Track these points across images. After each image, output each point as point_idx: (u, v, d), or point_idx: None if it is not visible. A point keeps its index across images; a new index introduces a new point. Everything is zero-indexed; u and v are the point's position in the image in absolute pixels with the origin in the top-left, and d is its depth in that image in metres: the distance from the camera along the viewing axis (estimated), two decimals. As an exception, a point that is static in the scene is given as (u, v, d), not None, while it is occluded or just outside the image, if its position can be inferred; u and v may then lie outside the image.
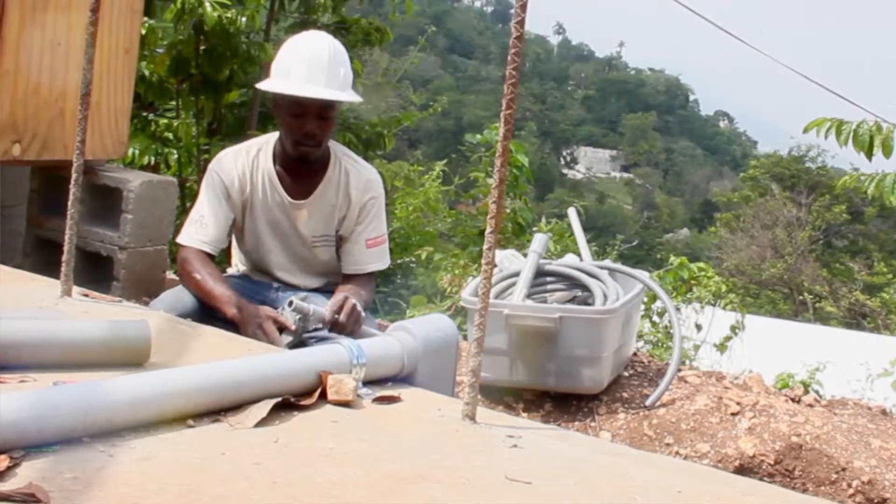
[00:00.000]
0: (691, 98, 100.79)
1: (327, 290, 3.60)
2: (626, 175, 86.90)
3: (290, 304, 3.13)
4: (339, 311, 3.14)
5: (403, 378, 2.43)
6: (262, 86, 3.49)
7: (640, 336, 7.93)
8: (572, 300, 4.14)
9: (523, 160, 6.88)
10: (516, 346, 3.75)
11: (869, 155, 5.80)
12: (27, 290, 2.92)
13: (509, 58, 2.15)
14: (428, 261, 6.94)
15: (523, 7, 2.12)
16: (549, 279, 4.17)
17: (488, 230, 2.15)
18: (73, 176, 2.83)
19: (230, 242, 3.74)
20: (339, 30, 7.58)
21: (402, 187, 8.83)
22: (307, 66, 3.33)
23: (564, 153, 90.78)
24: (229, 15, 6.32)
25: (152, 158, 7.04)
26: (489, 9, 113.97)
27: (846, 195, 34.06)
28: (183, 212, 7.04)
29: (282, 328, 3.13)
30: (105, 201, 4.70)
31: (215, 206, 3.54)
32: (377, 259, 3.63)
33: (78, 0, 4.26)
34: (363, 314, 3.20)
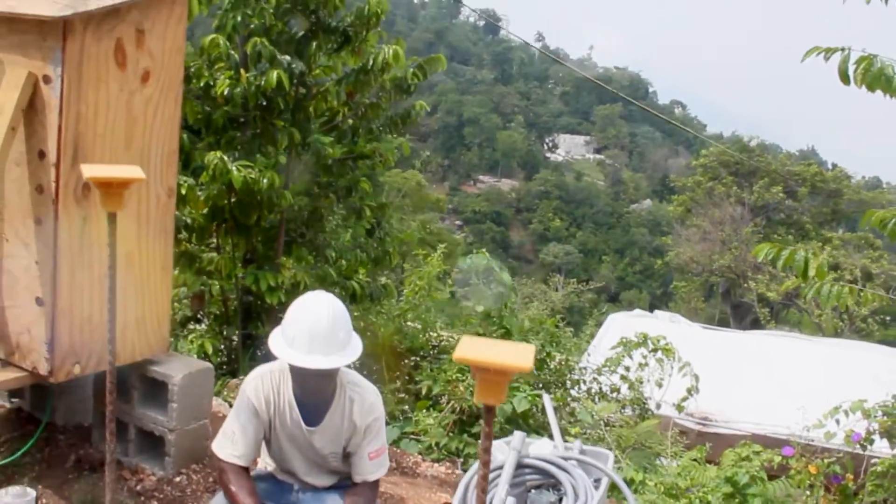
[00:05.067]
0: (650, 90, 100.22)
1: (341, 486, 3.64)
2: (598, 156, 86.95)
3: None
4: None
5: None
6: (272, 347, 3.37)
7: (615, 390, 7.79)
8: (548, 487, 4.06)
9: (507, 278, 6.76)
10: (501, 547, 3.67)
11: (804, 277, 5.69)
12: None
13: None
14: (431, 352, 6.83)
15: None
16: (527, 470, 4.08)
17: None
18: (107, 460, 2.72)
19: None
20: (346, 161, 7.43)
21: (413, 258, 8.69)
22: (309, 337, 3.23)
23: (547, 140, 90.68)
24: (253, 176, 6.20)
25: (200, 285, 6.98)
26: (481, 23, 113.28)
27: (782, 177, 34.22)
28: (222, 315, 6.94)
29: None
30: (155, 388, 4.64)
31: (245, 425, 3.53)
32: (378, 468, 3.61)
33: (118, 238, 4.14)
34: None
